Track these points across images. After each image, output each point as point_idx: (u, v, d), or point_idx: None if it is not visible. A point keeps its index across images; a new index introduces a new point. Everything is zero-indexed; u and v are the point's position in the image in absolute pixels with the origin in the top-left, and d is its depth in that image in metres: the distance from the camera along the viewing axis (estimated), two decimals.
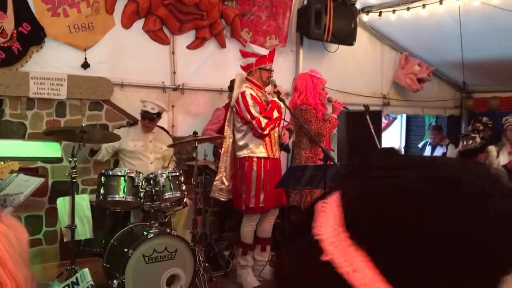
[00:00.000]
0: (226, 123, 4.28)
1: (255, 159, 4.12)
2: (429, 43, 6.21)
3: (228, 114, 4.29)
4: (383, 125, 7.29)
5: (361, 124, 4.41)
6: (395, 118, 8.66)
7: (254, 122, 4.01)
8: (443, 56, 6.40)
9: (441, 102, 7.20)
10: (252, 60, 4.16)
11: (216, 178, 4.27)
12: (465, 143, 5.22)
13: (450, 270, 0.46)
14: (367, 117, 4.26)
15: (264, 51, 4.28)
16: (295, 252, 0.57)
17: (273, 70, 4.27)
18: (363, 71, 6.21)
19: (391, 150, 0.60)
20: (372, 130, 4.16)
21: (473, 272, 0.46)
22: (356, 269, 0.48)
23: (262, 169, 4.13)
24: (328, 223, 0.53)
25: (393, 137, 8.54)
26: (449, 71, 6.98)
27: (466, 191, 0.49)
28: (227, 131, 4.24)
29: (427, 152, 7.19)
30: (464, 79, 6.77)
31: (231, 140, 4.24)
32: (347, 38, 5.58)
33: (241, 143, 4.16)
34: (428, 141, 7.35)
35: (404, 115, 8.18)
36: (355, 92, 6.01)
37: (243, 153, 4.15)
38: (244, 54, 4.28)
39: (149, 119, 4.24)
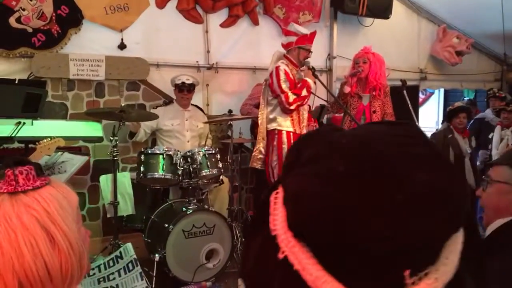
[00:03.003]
0: (261, 96, 4.36)
1: (284, 132, 4.20)
2: (468, 14, 5.99)
3: (263, 87, 4.37)
4: (419, 100, 7.13)
5: (398, 99, 4.32)
6: (432, 93, 8.46)
7: (282, 96, 4.09)
8: (483, 27, 6.17)
9: (481, 76, 6.97)
10: (293, 38, 4.19)
11: (254, 149, 4.36)
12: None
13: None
14: (404, 92, 4.17)
15: (306, 31, 4.27)
16: (254, 247, 0.56)
17: (311, 51, 4.28)
18: (399, 45, 6.06)
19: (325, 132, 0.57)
20: (410, 106, 4.08)
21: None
22: (304, 268, 0.48)
23: (292, 142, 4.16)
24: (279, 218, 0.52)
25: (430, 112, 8.35)
26: (489, 43, 6.72)
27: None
28: (262, 103, 4.33)
29: None
30: (505, 51, 6.52)
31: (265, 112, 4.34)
32: (383, 12, 5.44)
33: (271, 116, 4.28)
34: None
35: (442, 90, 7.96)
36: (391, 67, 5.85)
37: (272, 125, 4.28)
38: (287, 33, 4.33)
39: (188, 90, 4.31)
